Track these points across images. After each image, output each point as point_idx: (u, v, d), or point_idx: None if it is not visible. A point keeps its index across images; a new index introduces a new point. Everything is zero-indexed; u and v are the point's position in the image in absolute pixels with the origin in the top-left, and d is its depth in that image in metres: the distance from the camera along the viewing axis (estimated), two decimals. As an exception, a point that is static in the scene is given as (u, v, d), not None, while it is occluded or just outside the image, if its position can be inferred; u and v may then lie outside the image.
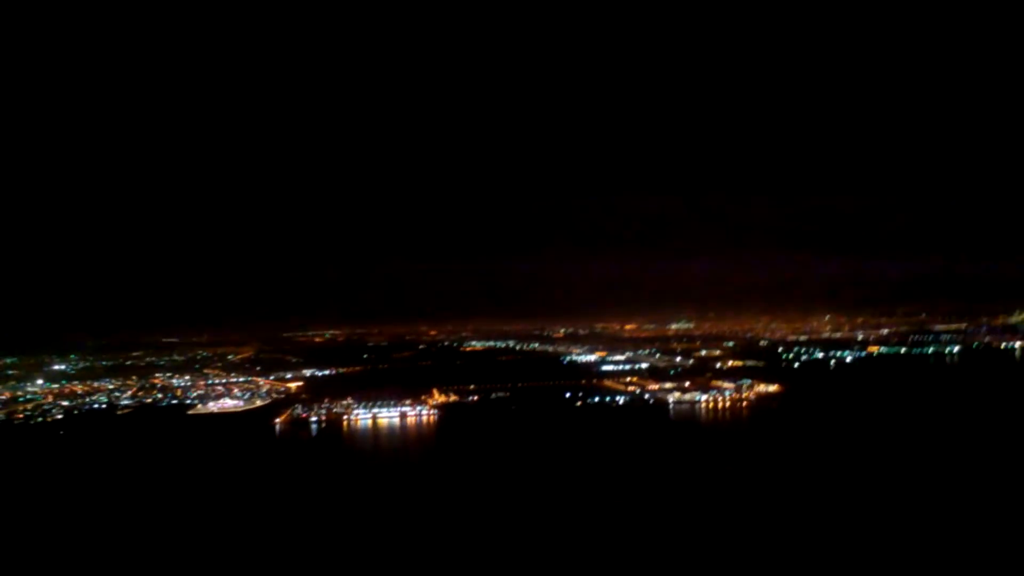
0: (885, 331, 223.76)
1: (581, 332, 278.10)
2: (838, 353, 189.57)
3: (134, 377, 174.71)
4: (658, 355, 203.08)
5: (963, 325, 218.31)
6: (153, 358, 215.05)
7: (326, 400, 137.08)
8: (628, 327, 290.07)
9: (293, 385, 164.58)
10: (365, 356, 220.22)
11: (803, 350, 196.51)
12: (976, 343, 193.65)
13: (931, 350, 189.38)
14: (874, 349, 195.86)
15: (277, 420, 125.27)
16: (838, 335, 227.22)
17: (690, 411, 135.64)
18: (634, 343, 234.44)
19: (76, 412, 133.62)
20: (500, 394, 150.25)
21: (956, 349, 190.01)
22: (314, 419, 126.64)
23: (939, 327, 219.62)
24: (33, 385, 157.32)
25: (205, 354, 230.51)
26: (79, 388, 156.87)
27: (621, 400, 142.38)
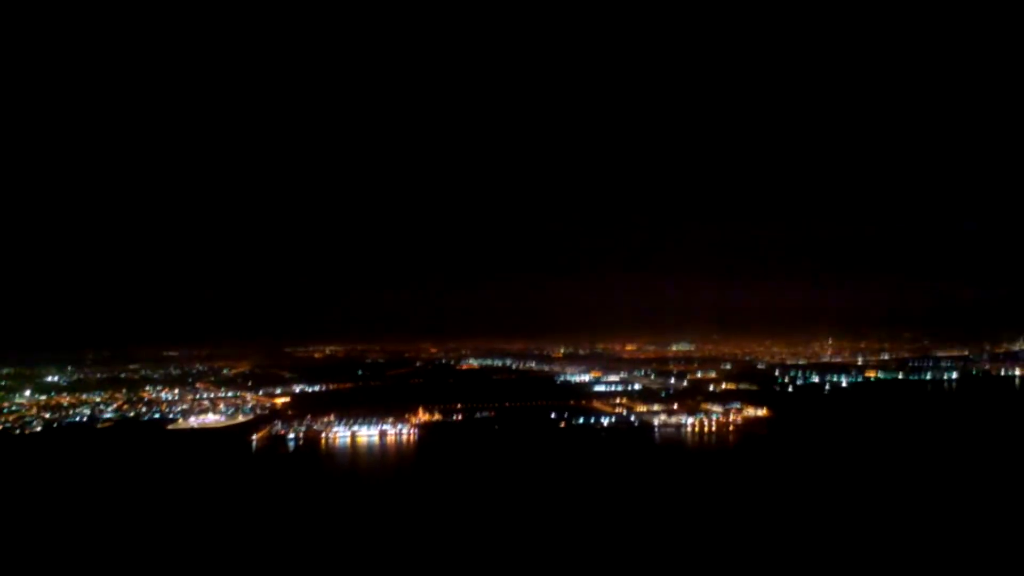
0: (885, 356, 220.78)
1: (581, 352, 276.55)
2: (834, 377, 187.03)
3: (124, 390, 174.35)
4: (653, 376, 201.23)
5: (964, 352, 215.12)
6: (148, 371, 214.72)
7: (308, 417, 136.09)
8: (629, 348, 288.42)
9: (280, 401, 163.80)
10: (360, 373, 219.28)
11: (799, 374, 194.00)
12: (975, 370, 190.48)
13: (928, 376, 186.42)
14: (872, 374, 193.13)
15: (255, 436, 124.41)
16: (838, 359, 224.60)
17: (674, 434, 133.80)
18: (631, 364, 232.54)
19: (56, 425, 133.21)
20: (485, 413, 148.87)
21: (954, 376, 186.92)
22: (292, 436, 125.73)
23: (940, 353, 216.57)
24: (21, 396, 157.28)
25: (201, 368, 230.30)
26: (66, 400, 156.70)
27: (606, 422, 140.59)
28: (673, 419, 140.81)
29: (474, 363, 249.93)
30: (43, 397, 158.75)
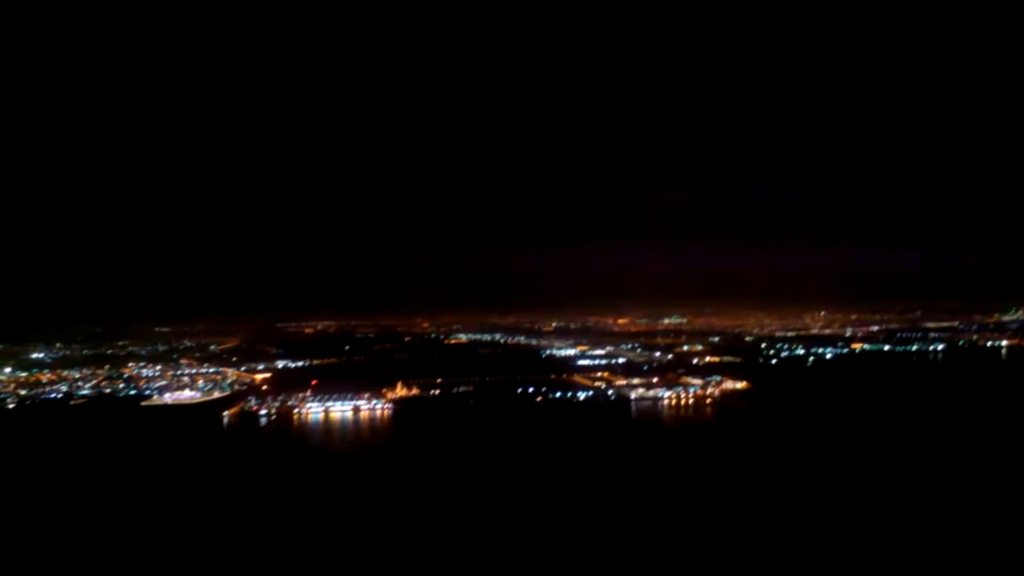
0: (875, 328, 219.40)
1: (572, 326, 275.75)
2: (819, 350, 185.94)
3: (108, 366, 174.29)
4: (639, 350, 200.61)
5: (955, 323, 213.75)
6: (136, 348, 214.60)
7: (284, 393, 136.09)
8: (621, 321, 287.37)
9: (260, 377, 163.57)
10: (346, 348, 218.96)
11: (785, 346, 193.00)
12: (962, 341, 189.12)
13: (915, 347, 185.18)
14: (858, 346, 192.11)
15: (226, 413, 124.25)
16: (828, 331, 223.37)
17: (650, 408, 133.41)
18: (620, 337, 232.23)
19: (29, 402, 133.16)
20: (464, 388, 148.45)
21: (941, 347, 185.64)
22: (264, 412, 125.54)
23: (931, 324, 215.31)
24: (1, 373, 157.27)
25: (190, 344, 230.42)
26: (45, 377, 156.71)
27: (583, 396, 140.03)
28: (650, 392, 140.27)
29: (463, 338, 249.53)
30: (24, 374, 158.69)
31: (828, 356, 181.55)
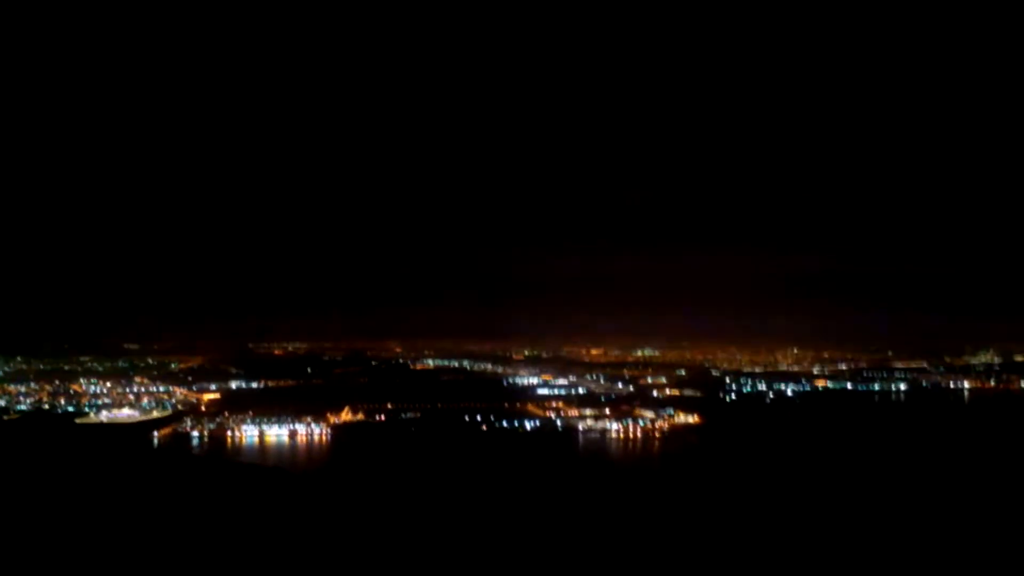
0: (843, 366, 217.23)
1: (544, 355, 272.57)
2: (782, 386, 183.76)
3: (57, 382, 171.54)
4: (602, 380, 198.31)
5: (924, 363, 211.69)
6: (96, 364, 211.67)
7: (224, 414, 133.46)
8: (594, 352, 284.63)
9: (209, 397, 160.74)
10: (309, 370, 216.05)
11: (749, 382, 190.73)
12: (925, 382, 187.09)
13: (877, 387, 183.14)
14: (822, 383, 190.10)
15: (158, 433, 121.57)
16: (795, 368, 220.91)
17: (596, 440, 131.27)
18: (589, 368, 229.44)
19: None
20: (412, 414, 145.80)
21: (903, 387, 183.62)
22: (196, 434, 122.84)
23: (899, 364, 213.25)
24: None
25: (152, 362, 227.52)
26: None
27: (531, 425, 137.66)
28: (599, 424, 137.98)
29: (430, 363, 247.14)
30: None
31: (789, 393, 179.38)
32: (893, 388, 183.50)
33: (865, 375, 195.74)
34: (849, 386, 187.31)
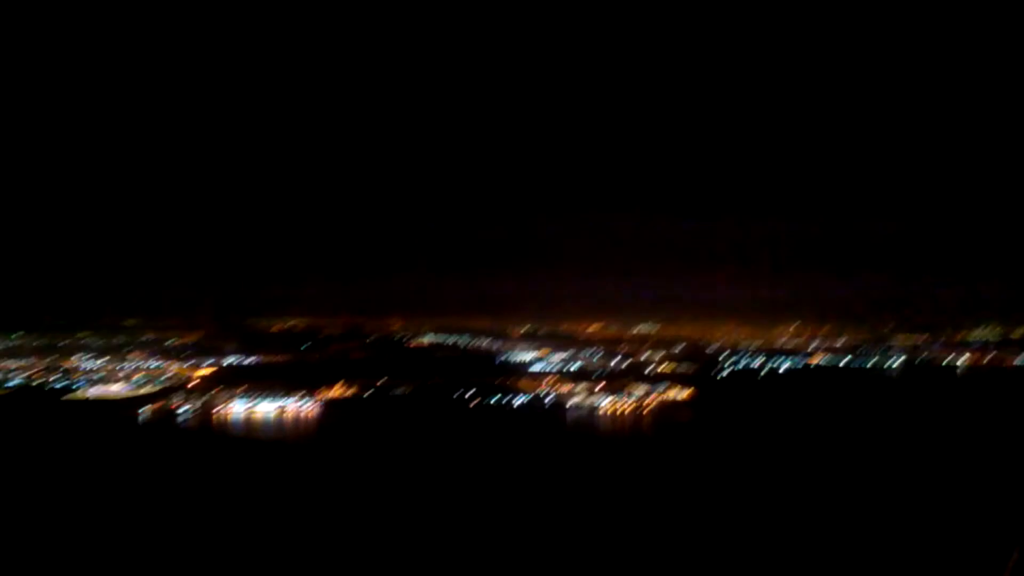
0: (841, 342, 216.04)
1: (542, 331, 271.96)
2: (776, 362, 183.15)
3: (54, 356, 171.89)
4: (598, 356, 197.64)
5: (924, 337, 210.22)
6: (93, 339, 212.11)
7: (214, 389, 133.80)
8: (592, 328, 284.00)
9: (201, 372, 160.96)
10: (304, 346, 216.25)
11: (744, 358, 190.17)
12: (919, 358, 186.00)
13: (871, 363, 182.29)
14: (817, 359, 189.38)
15: (144, 409, 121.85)
16: (793, 344, 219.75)
17: (584, 415, 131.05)
18: (584, 343, 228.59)
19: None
20: (402, 390, 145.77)
21: (896, 363, 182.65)
22: (183, 410, 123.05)
23: (898, 339, 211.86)
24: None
25: (150, 337, 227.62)
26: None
27: (519, 401, 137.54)
28: (588, 400, 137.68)
29: (426, 339, 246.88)
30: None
31: (782, 369, 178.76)
32: (886, 364, 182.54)
33: (861, 351, 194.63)
34: (844, 362, 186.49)
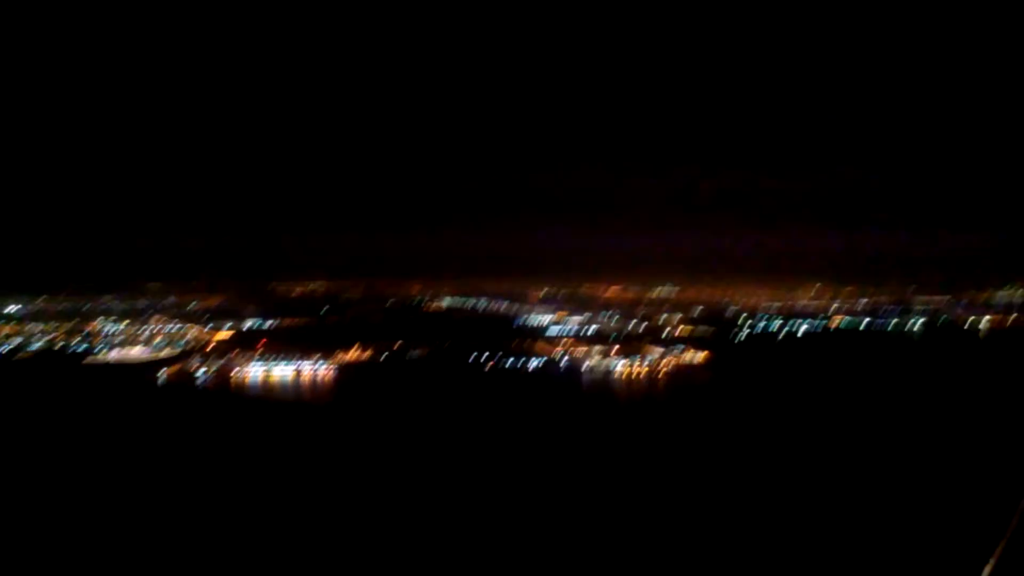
0: (862, 303, 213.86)
1: (560, 293, 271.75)
2: (795, 324, 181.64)
3: (77, 320, 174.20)
4: (615, 319, 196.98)
5: (946, 298, 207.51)
6: (116, 303, 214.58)
7: (234, 352, 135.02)
8: (612, 290, 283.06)
9: (221, 336, 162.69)
10: (324, 309, 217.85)
11: (763, 320, 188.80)
12: (941, 318, 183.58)
13: (892, 324, 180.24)
14: (837, 320, 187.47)
15: (163, 372, 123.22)
16: (812, 306, 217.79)
17: (600, 378, 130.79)
18: (604, 306, 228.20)
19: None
20: (419, 353, 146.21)
21: (918, 324, 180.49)
22: (202, 372, 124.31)
23: (920, 300, 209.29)
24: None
25: (171, 301, 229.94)
26: (7, 330, 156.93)
27: (535, 364, 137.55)
28: (604, 362, 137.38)
29: (445, 303, 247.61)
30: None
31: (801, 331, 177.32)
32: (908, 325, 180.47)
33: (883, 312, 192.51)
34: (864, 323, 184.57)
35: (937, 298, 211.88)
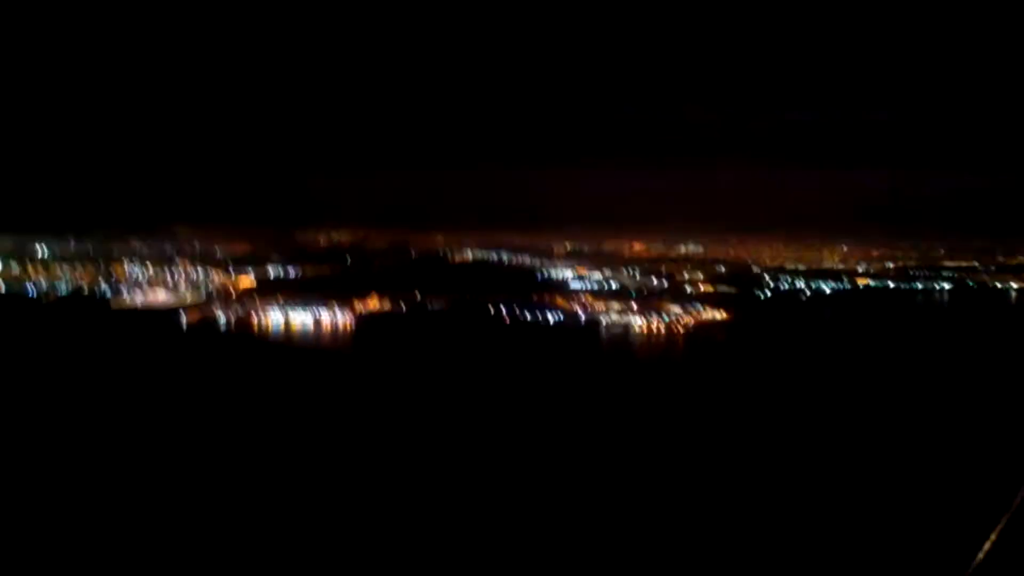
0: (890, 264, 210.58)
1: (585, 249, 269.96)
2: (821, 284, 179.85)
3: (104, 264, 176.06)
4: (638, 275, 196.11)
5: (975, 262, 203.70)
6: (143, 247, 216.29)
7: (255, 299, 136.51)
8: (637, 247, 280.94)
9: (244, 282, 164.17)
10: (348, 259, 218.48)
11: (788, 279, 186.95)
12: (971, 281, 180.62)
13: (919, 285, 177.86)
14: (863, 282, 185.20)
15: (187, 316, 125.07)
16: (840, 266, 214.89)
17: (618, 334, 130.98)
18: (627, 263, 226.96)
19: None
20: (439, 305, 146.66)
21: (946, 286, 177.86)
22: (223, 317, 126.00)
23: (949, 263, 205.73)
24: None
25: (198, 247, 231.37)
26: (32, 274, 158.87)
27: (554, 318, 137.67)
28: (623, 318, 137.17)
29: (469, 255, 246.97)
30: (15, 268, 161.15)
31: (827, 291, 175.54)
32: (936, 287, 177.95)
33: (910, 274, 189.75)
34: (891, 285, 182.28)
35: (967, 259, 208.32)
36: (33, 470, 57.07)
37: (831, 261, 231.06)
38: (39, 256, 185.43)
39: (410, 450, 63.98)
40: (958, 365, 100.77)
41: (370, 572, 43.27)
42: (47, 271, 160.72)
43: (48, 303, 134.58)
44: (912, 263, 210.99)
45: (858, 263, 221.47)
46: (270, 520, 48.71)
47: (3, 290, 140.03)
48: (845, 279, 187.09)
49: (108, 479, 55.77)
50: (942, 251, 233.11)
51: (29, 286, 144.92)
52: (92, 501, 51.62)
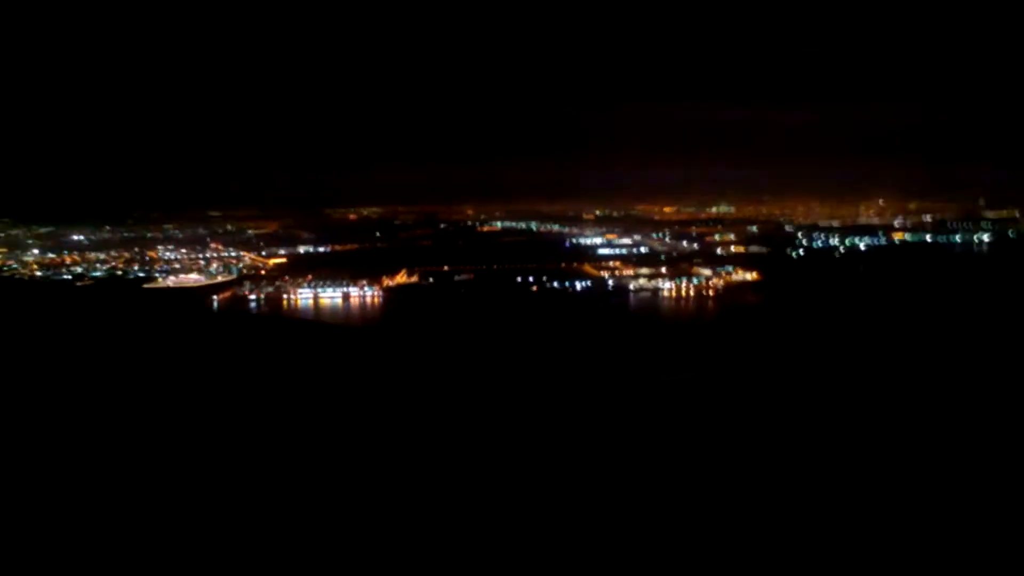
0: (928, 218, 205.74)
1: (615, 214, 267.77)
2: (856, 240, 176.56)
3: (136, 249, 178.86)
4: (667, 239, 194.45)
5: (1015, 213, 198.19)
6: (176, 231, 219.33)
7: (285, 277, 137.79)
8: (667, 210, 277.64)
9: (275, 261, 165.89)
10: (377, 234, 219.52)
11: (822, 236, 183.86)
12: (1012, 232, 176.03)
13: (958, 238, 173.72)
14: (899, 236, 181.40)
15: (217, 296, 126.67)
16: (875, 221, 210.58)
17: (646, 299, 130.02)
18: (657, 226, 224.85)
19: (37, 282, 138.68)
20: (465, 276, 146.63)
21: (986, 238, 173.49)
22: (254, 296, 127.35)
23: (989, 214, 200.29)
24: (28, 254, 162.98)
25: (230, 228, 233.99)
26: (71, 259, 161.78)
27: (581, 285, 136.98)
28: (651, 283, 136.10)
29: (497, 225, 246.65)
30: (52, 255, 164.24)
31: (862, 247, 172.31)
32: (975, 239, 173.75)
33: (949, 227, 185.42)
34: (928, 238, 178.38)
35: (1005, 213, 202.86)
36: (67, 445, 58.46)
37: (866, 216, 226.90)
38: (75, 243, 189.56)
39: (439, 427, 64.07)
40: (999, 323, 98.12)
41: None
42: (83, 257, 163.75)
43: (81, 286, 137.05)
44: (950, 216, 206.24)
45: (894, 217, 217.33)
46: (304, 495, 49.24)
47: (38, 276, 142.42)
48: (881, 234, 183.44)
49: (140, 455, 56.87)
50: (980, 202, 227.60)
51: (66, 272, 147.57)
52: (128, 471, 52.80)
